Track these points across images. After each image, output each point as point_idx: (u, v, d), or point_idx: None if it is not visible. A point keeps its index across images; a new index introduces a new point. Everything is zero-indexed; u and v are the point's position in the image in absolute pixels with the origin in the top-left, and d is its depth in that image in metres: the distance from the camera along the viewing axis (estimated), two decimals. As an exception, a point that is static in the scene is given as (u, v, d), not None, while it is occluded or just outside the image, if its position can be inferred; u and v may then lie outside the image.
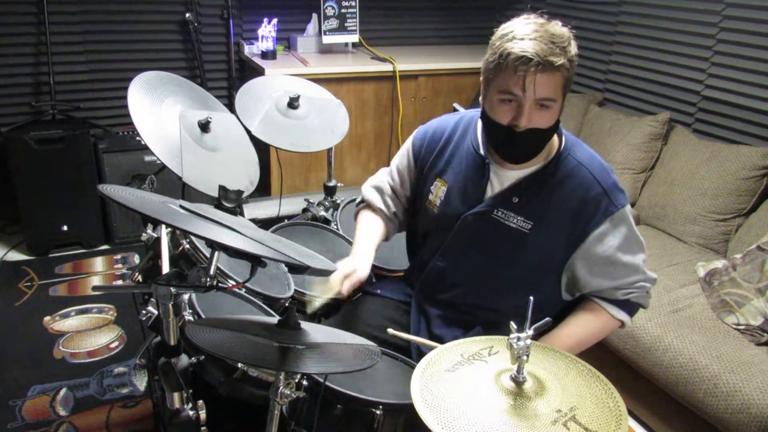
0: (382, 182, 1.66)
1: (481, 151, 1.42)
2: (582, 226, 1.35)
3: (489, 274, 1.46)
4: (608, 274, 1.39)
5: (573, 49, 1.24)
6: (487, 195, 1.42)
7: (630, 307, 1.44)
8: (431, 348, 1.35)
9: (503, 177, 1.40)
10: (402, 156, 1.61)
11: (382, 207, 1.63)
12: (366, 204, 1.66)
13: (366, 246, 1.53)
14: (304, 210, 2.12)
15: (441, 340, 1.48)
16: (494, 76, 1.26)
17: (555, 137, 1.38)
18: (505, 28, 1.25)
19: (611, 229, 1.35)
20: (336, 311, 1.66)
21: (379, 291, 1.64)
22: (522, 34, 1.21)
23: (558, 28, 1.24)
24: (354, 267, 1.44)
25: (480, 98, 1.36)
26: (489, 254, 1.44)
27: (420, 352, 1.46)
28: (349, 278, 1.42)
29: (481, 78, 1.33)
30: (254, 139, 1.84)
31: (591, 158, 1.38)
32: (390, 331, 1.40)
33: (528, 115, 1.24)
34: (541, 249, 1.39)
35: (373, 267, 1.79)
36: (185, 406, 1.21)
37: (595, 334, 1.45)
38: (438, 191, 1.50)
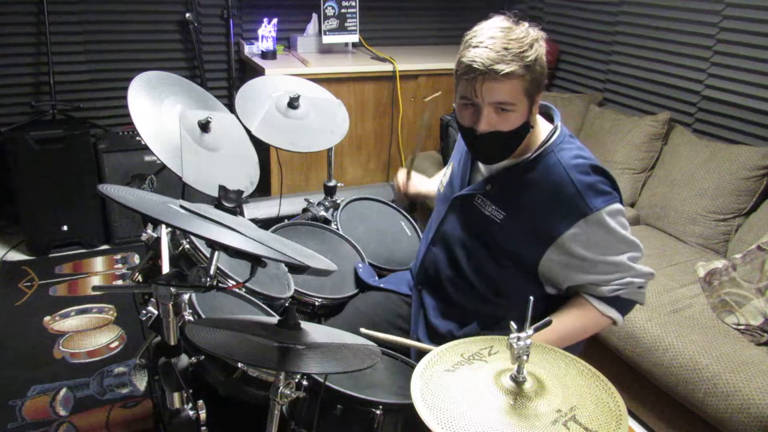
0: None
1: None
2: (552, 227, 1.33)
3: (471, 259, 1.47)
4: (586, 269, 1.35)
5: (534, 53, 1.24)
6: (474, 181, 1.47)
7: (621, 303, 1.39)
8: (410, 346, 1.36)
9: (488, 165, 1.43)
10: None
11: None
12: None
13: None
14: (304, 210, 2.12)
15: (436, 331, 1.51)
16: (456, 80, 1.31)
17: (544, 131, 1.38)
18: (470, 33, 1.28)
19: (584, 232, 1.31)
20: (333, 313, 1.66)
21: (383, 285, 1.66)
22: (478, 41, 1.24)
23: (521, 31, 1.24)
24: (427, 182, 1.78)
25: None
26: (470, 240, 1.46)
27: (421, 352, 1.46)
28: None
29: None
30: (254, 139, 1.84)
31: (573, 158, 1.34)
32: (362, 330, 1.39)
33: (486, 119, 1.27)
34: (512, 241, 1.39)
35: (374, 267, 1.81)
36: (185, 406, 1.21)
37: (581, 330, 1.41)
38: (448, 173, 1.58)
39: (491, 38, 1.22)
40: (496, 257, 1.42)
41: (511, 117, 1.27)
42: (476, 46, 1.23)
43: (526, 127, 1.31)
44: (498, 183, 1.40)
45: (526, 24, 1.26)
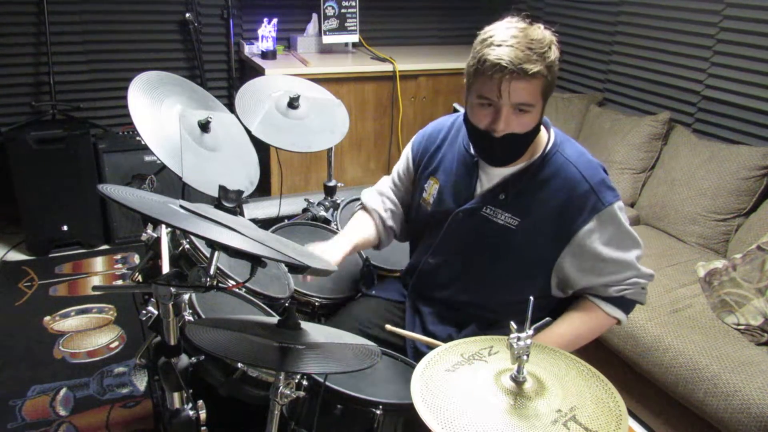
0: (384, 188, 1.68)
1: (471, 150, 1.44)
2: (569, 223, 1.35)
3: (479, 270, 1.46)
4: (598, 271, 1.38)
5: (553, 54, 1.24)
6: (476, 192, 1.44)
7: (625, 304, 1.43)
8: (429, 345, 1.37)
9: (492, 174, 1.42)
10: (402, 161, 1.64)
11: (381, 212, 1.64)
12: (363, 207, 1.68)
13: (345, 239, 1.55)
14: (304, 210, 2.12)
15: (435, 338, 1.50)
16: (473, 80, 1.28)
17: (543, 134, 1.39)
18: (486, 31, 1.26)
19: (599, 226, 1.34)
20: (333, 313, 1.66)
21: (374, 292, 1.65)
22: (500, 39, 1.21)
23: (539, 32, 1.24)
24: (322, 250, 1.46)
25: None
26: (479, 251, 1.45)
27: (418, 352, 1.46)
28: None
29: (464, 81, 1.35)
30: (254, 139, 1.84)
31: (579, 155, 1.38)
32: (388, 327, 1.41)
33: (505, 120, 1.25)
34: (529, 245, 1.39)
35: (373, 267, 1.81)
36: (185, 406, 1.21)
37: (589, 332, 1.45)
38: (431, 189, 1.52)
39: (513, 37, 1.21)
40: (507, 265, 1.42)
41: (527, 118, 1.27)
42: (499, 45, 1.20)
43: (537, 129, 1.32)
44: (511, 190, 1.38)
45: (541, 25, 1.26)
